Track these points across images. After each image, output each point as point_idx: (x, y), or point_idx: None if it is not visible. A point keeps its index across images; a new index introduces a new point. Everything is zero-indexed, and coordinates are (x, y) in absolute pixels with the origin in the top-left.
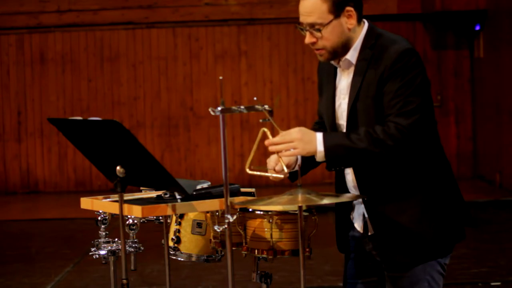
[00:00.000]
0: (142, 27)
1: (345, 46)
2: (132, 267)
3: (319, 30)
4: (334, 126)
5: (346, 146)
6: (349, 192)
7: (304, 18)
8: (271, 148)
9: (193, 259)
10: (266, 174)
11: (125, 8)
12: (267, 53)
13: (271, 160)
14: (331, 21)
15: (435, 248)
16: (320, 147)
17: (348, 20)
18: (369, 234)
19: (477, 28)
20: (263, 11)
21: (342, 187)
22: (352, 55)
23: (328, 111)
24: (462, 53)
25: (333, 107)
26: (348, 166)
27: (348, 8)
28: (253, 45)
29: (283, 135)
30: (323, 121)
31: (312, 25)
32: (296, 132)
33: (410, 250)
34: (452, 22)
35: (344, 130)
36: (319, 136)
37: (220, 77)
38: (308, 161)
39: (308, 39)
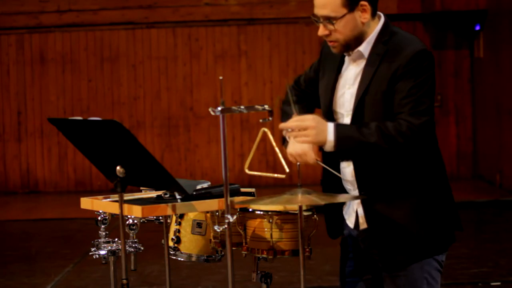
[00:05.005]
0: (142, 27)
1: (358, 40)
2: (132, 267)
3: (332, 23)
4: (330, 112)
5: (356, 139)
6: (340, 187)
7: (318, 10)
8: (281, 127)
9: (193, 259)
10: (266, 174)
11: (125, 8)
12: (267, 53)
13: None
14: (344, 15)
15: (430, 246)
16: (330, 137)
17: (362, 14)
18: (360, 229)
19: (477, 28)
20: (263, 11)
21: (331, 184)
22: (365, 48)
23: (326, 96)
24: (462, 53)
25: (332, 94)
26: (352, 158)
27: (363, 2)
28: (253, 45)
29: (298, 120)
30: (302, 89)
31: (325, 18)
32: (311, 120)
33: (405, 247)
34: (452, 22)
35: (341, 119)
36: (331, 126)
37: (220, 77)
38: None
39: (321, 31)
